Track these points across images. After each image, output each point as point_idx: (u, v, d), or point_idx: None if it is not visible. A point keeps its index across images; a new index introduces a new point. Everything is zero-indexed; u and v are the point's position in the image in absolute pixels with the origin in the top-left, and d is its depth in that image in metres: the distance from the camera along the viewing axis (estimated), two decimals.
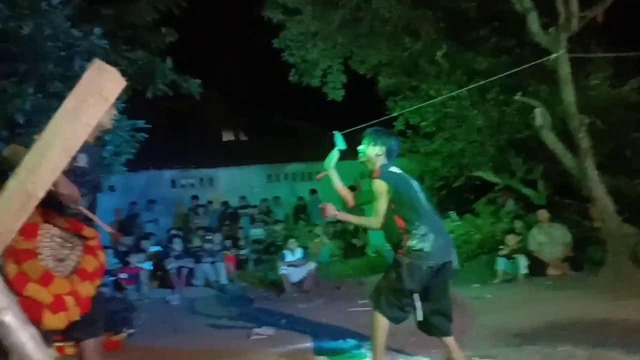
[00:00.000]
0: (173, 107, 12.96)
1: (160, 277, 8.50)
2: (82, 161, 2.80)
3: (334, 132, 7.47)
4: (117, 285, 7.84)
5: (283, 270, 7.94)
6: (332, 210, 3.53)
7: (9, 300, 0.52)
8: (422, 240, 3.30)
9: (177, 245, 8.86)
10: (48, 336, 2.75)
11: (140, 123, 7.04)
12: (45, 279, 2.57)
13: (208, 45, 14.59)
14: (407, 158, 9.70)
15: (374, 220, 3.43)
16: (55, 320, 2.58)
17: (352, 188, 12.72)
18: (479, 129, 9.01)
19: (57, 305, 2.59)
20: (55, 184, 2.45)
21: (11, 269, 2.52)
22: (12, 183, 0.65)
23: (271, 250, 9.85)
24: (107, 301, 5.95)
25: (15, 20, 4.54)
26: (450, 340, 3.52)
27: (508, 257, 7.48)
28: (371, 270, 8.99)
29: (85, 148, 2.81)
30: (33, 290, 2.52)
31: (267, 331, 5.11)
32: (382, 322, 3.39)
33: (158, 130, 7.78)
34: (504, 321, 4.86)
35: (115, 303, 5.97)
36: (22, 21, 4.55)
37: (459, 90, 7.93)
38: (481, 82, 7.05)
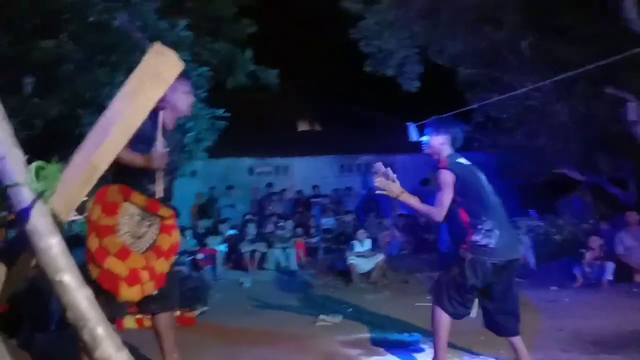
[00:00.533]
0: (252, 97, 13.36)
1: (235, 259, 8.85)
2: (160, 146, 2.96)
3: (407, 123, 7.38)
4: (194, 265, 8.26)
5: (351, 260, 7.99)
6: (396, 189, 3.42)
7: (68, 262, 0.59)
8: (487, 236, 3.19)
9: (252, 230, 9.18)
10: (123, 307, 2.97)
11: (220, 112, 7.36)
12: (123, 253, 2.75)
13: (286, 36, 14.84)
14: (486, 153, 9.36)
15: (437, 210, 3.31)
16: (131, 293, 2.76)
17: (425, 181, 12.54)
18: (563, 124, 8.50)
19: (133, 278, 2.77)
20: (145, 163, 2.71)
21: (93, 242, 2.73)
22: (78, 156, 0.72)
23: (341, 239, 9.91)
24: (184, 279, 6.34)
25: (108, 13, 4.89)
26: (517, 340, 3.38)
27: (591, 261, 7.03)
28: (442, 265, 8.80)
29: (165, 134, 3.00)
30: (111, 263, 2.71)
31: (333, 319, 5.18)
32: (444, 318, 3.33)
33: (237, 119, 8.09)
34: (582, 327, 4.58)
35: (191, 281, 6.33)
36: (114, 14, 4.89)
37: (544, 82, 7.51)
38: (569, 74, 6.63)
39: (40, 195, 0.61)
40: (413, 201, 3.48)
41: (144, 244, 2.87)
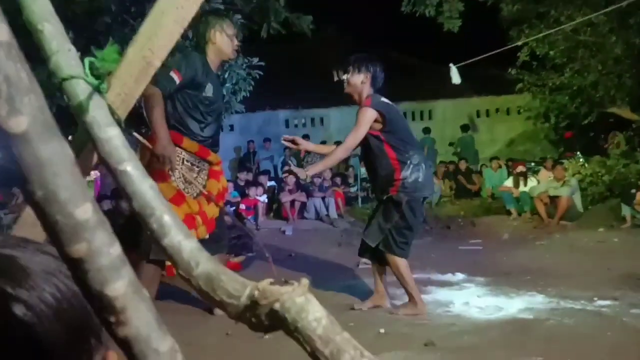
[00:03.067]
0: (287, 48, 13.17)
1: (276, 209, 9.00)
2: (209, 91, 2.98)
3: (450, 65, 7.10)
4: (237, 215, 8.45)
5: None
6: (302, 174, 3.31)
7: (130, 153, 0.58)
8: (417, 170, 3.25)
9: (291, 181, 9.26)
10: None
11: (255, 60, 7.28)
12: (178, 198, 2.79)
13: None
14: (531, 93, 8.98)
15: (343, 148, 3.30)
16: None
17: (465, 127, 12.20)
18: (616, 59, 8.01)
19: (189, 223, 2.80)
20: (155, 142, 2.63)
21: None
22: (131, 50, 0.71)
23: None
24: (229, 228, 6.50)
25: None
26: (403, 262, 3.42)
27: None
28: (484, 211, 8.70)
29: (210, 78, 2.99)
30: None
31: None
32: (401, 261, 3.35)
33: (273, 71, 8.00)
34: (631, 266, 4.46)
35: (235, 230, 6.49)
36: None
37: (595, 14, 7.03)
38: (623, 4, 6.18)
39: (96, 88, 0.60)
40: (320, 164, 3.47)
41: (195, 189, 2.90)
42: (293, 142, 3.37)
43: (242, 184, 9.69)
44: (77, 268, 0.36)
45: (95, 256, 0.35)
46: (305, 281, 0.59)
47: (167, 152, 2.67)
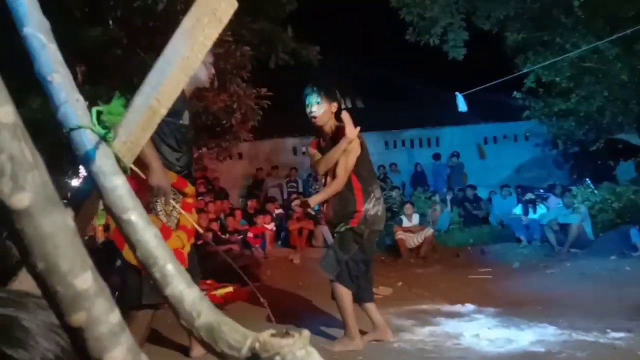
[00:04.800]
0: (293, 76, 13.35)
1: (284, 237, 8.97)
2: (186, 119, 2.88)
3: (455, 93, 7.16)
4: (245, 243, 8.43)
5: (399, 235, 7.94)
6: (309, 205, 3.36)
7: (134, 202, 0.59)
8: (378, 203, 3.24)
9: (298, 208, 9.25)
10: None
11: (263, 91, 7.39)
12: (165, 232, 2.64)
13: (324, 10, 14.66)
14: (537, 119, 8.98)
15: (340, 181, 3.21)
16: None
17: (454, 153, 12.04)
18: (622, 85, 8.03)
19: (178, 258, 2.72)
20: (149, 174, 2.52)
21: None
22: (137, 99, 0.73)
23: (387, 215, 9.85)
24: (237, 257, 6.48)
25: None
26: (372, 306, 3.44)
27: None
28: (494, 238, 8.62)
29: (187, 106, 2.93)
30: None
31: (383, 291, 5.18)
32: (345, 291, 3.27)
33: (280, 99, 8.10)
34: None
35: (242, 259, 6.48)
36: None
37: (600, 42, 7.09)
38: (627, 31, 6.24)
39: (103, 137, 0.61)
40: (320, 195, 3.37)
41: (173, 221, 2.77)
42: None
43: (250, 211, 9.70)
44: (76, 337, 0.36)
45: (95, 324, 0.36)
46: (306, 333, 0.59)
47: (163, 184, 2.57)
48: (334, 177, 3.27)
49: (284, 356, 0.55)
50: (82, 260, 0.35)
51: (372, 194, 3.23)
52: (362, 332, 3.46)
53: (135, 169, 2.29)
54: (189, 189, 2.90)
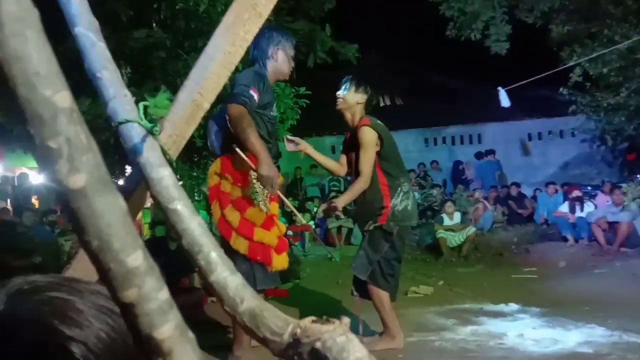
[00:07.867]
0: (332, 75, 13.37)
1: (323, 235, 9.01)
2: (274, 110, 2.95)
3: (498, 88, 7.00)
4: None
5: (440, 234, 7.83)
6: (337, 207, 3.16)
7: (180, 192, 0.61)
8: (406, 198, 3.13)
9: None
10: (276, 276, 2.91)
11: (302, 90, 7.44)
12: (269, 223, 2.72)
13: (363, 8, 14.61)
14: (584, 114, 8.65)
15: (365, 177, 3.10)
16: (281, 261, 2.76)
17: (479, 154, 11.69)
18: None
19: (281, 246, 2.77)
20: (257, 163, 2.57)
21: (234, 217, 2.68)
22: (182, 94, 0.76)
23: (428, 214, 9.73)
24: None
25: None
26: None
27: None
28: (539, 237, 8.37)
29: (273, 97, 2.93)
30: (260, 234, 2.68)
31: (424, 290, 5.12)
32: (383, 294, 3.19)
33: (319, 98, 8.13)
34: None
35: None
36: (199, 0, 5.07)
37: None
38: None
39: (149, 130, 0.64)
40: (345, 196, 3.26)
41: (267, 211, 2.81)
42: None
43: (289, 210, 9.79)
44: (128, 312, 0.38)
45: (145, 301, 0.38)
46: (346, 320, 0.59)
47: (272, 174, 2.60)
48: (357, 174, 3.20)
49: (325, 342, 0.56)
50: (133, 240, 0.37)
51: (400, 188, 3.15)
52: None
53: (243, 155, 2.28)
54: (280, 179, 2.94)
